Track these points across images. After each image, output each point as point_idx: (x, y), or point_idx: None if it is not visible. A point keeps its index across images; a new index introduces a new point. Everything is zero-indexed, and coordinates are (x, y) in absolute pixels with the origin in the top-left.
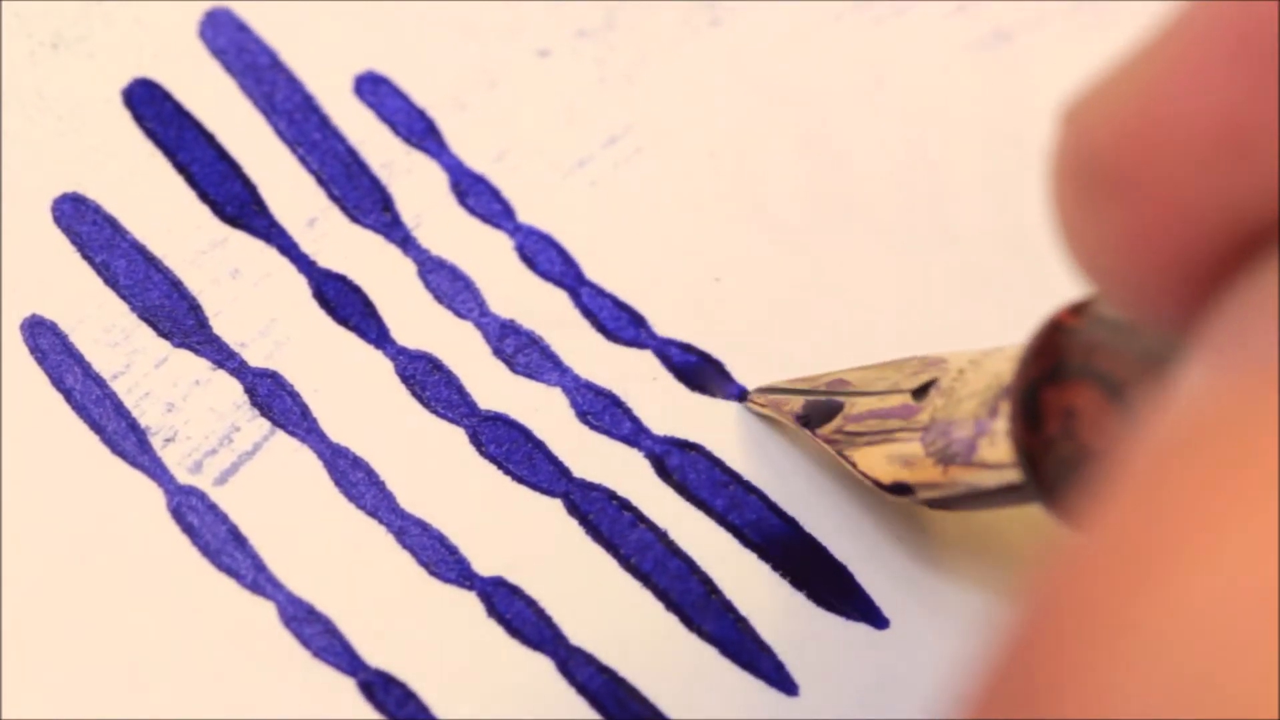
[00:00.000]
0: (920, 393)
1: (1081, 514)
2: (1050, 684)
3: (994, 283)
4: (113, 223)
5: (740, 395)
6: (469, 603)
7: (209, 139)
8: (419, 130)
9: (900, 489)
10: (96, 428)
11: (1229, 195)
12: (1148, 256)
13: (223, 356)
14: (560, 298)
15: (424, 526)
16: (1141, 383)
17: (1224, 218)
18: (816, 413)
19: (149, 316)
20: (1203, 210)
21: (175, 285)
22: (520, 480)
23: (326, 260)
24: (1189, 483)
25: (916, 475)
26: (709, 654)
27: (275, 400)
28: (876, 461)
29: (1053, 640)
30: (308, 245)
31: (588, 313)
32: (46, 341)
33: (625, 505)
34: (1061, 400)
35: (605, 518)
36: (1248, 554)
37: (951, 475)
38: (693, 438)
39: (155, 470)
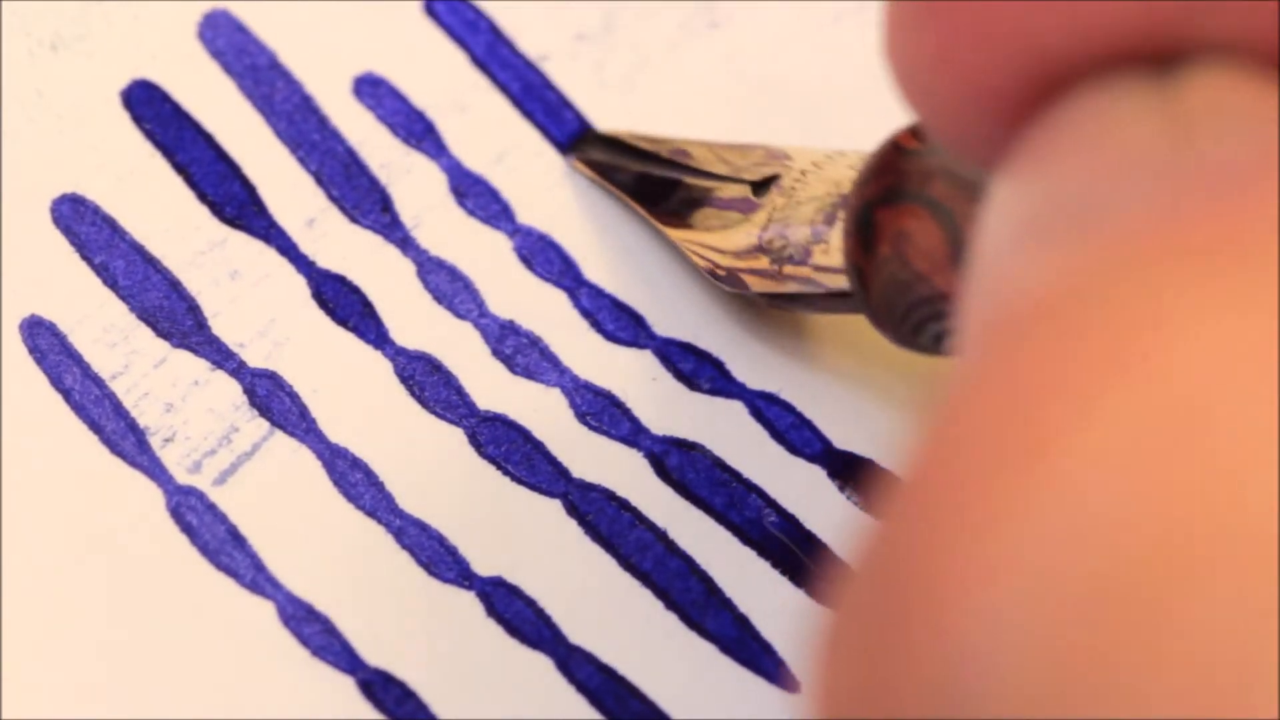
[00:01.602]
0: (761, 187)
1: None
2: (917, 583)
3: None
4: (112, 223)
5: (564, 148)
6: (468, 602)
7: (208, 140)
8: (418, 131)
9: (733, 280)
10: (95, 428)
11: (1035, 28)
12: (957, 78)
13: (222, 357)
14: (559, 298)
15: (423, 526)
16: (972, 215)
17: (1030, 50)
18: (651, 188)
19: (148, 317)
20: (1010, 38)
21: (174, 286)
22: (519, 481)
23: (325, 261)
24: (1041, 363)
25: (751, 268)
26: (709, 652)
27: (274, 401)
28: (712, 249)
29: (918, 537)
30: (307, 246)
31: (587, 313)
32: (45, 342)
33: (624, 505)
34: (895, 223)
35: (604, 518)
36: (1105, 439)
37: (785, 274)
38: (692, 437)
39: (154, 470)
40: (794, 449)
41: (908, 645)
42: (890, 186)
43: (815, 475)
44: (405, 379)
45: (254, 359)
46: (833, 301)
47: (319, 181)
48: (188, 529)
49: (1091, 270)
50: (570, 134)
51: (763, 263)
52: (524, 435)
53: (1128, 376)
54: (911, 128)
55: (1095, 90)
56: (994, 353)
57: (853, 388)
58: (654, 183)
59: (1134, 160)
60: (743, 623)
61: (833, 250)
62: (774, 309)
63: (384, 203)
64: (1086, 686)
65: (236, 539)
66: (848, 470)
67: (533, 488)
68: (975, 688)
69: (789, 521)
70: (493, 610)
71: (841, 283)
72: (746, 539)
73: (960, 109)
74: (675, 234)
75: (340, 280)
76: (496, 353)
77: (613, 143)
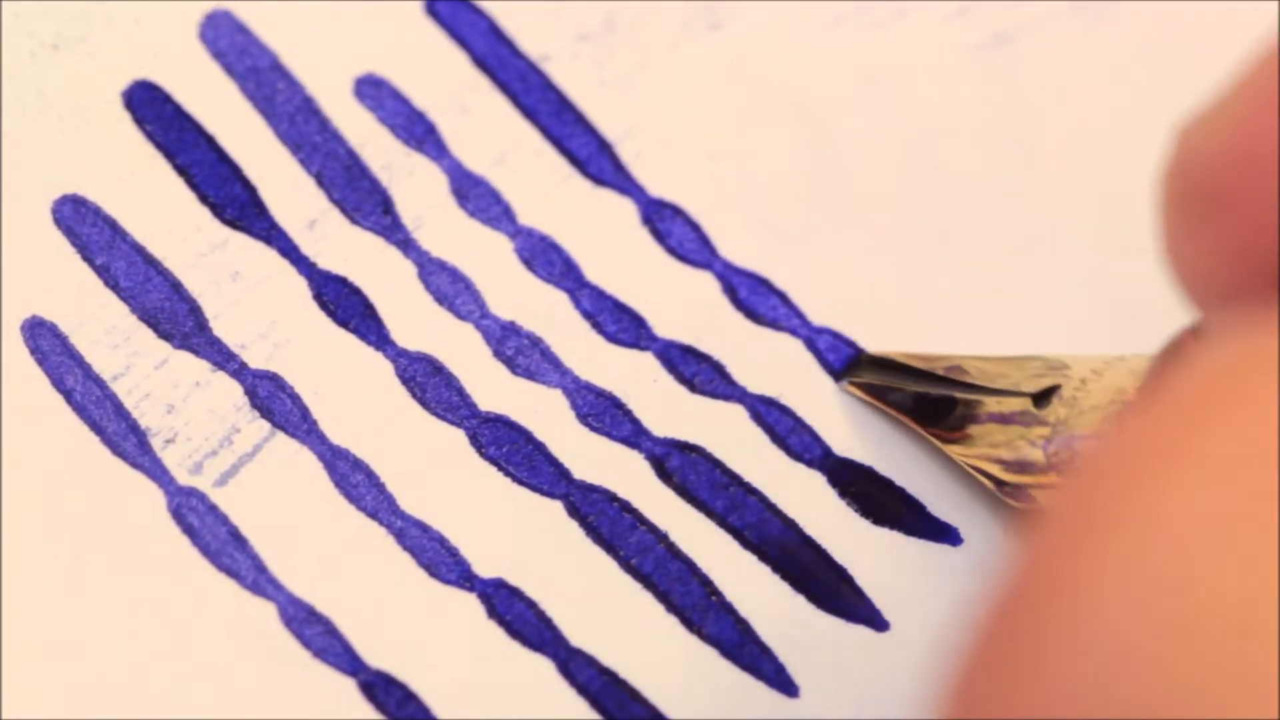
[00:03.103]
0: (1041, 398)
1: None
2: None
3: (994, 285)
4: (113, 224)
5: (837, 374)
6: (470, 604)
7: (209, 141)
8: (419, 132)
9: (1019, 495)
10: (97, 429)
11: None
12: (1244, 272)
13: (223, 358)
14: (561, 300)
15: (424, 528)
16: None
17: None
18: (927, 408)
19: (149, 318)
20: None
21: (175, 287)
22: (521, 482)
23: (327, 262)
24: (1162, 421)
25: (1037, 480)
26: (709, 655)
27: (275, 402)
28: (995, 464)
29: (1027, 596)
30: (308, 247)
31: (588, 315)
32: (47, 343)
33: (626, 507)
34: None
35: (606, 519)
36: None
37: None
38: (693, 439)
39: (156, 471)
40: (794, 454)
41: (1014, 701)
42: None
43: (815, 480)
44: (406, 380)
45: (255, 360)
46: None
47: (320, 183)
48: (189, 530)
49: (1203, 374)
50: (842, 360)
51: (1050, 477)
52: (525, 436)
53: (1155, 489)
54: (1193, 328)
55: None
56: (1101, 448)
57: (852, 395)
58: (931, 401)
59: None
60: (743, 626)
61: None
62: None
63: (385, 204)
64: None
65: (238, 540)
66: (847, 476)
67: (534, 489)
68: None
69: (789, 526)
70: (494, 612)
71: None
72: (747, 543)
73: (1252, 305)
74: (956, 451)
75: (341, 282)
76: (498, 354)
77: (885, 363)
